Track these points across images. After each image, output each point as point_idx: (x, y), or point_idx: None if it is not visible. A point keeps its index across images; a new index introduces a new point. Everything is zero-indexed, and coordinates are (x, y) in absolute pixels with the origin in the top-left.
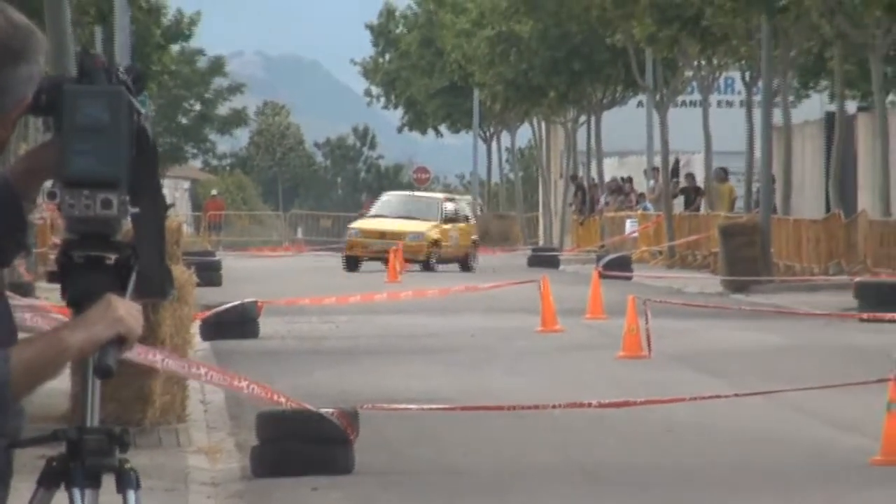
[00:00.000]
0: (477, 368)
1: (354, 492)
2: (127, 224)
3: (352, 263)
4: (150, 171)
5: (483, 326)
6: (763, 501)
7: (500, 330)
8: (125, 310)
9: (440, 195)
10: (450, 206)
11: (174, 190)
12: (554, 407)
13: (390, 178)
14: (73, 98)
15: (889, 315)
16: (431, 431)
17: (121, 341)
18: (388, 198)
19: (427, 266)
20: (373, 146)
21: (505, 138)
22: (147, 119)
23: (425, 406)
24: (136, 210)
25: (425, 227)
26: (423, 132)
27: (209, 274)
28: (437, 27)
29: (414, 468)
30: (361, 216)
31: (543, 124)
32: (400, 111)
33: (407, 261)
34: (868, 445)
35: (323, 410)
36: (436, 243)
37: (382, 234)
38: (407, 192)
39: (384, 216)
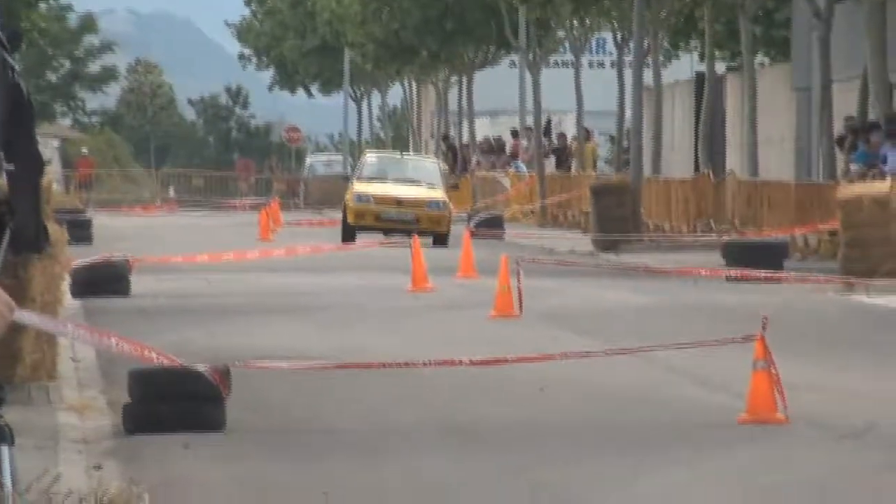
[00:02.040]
0: (349, 327)
1: (226, 449)
2: (2, 180)
3: (351, 233)
4: (25, 128)
5: (355, 285)
6: (631, 459)
7: (372, 289)
8: None
9: (433, 158)
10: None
11: (43, 147)
12: (425, 365)
13: (261, 137)
14: None
15: (755, 274)
16: (304, 390)
17: None
18: (375, 159)
19: (443, 240)
20: (245, 105)
21: (376, 98)
22: (21, 76)
23: (298, 364)
24: (10, 167)
25: (440, 194)
26: (294, 91)
27: (80, 232)
28: None
29: (286, 426)
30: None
31: (415, 84)
32: (271, 71)
33: (419, 233)
34: (735, 404)
35: (196, 367)
36: (450, 213)
37: (399, 202)
38: (396, 154)
39: (383, 179)
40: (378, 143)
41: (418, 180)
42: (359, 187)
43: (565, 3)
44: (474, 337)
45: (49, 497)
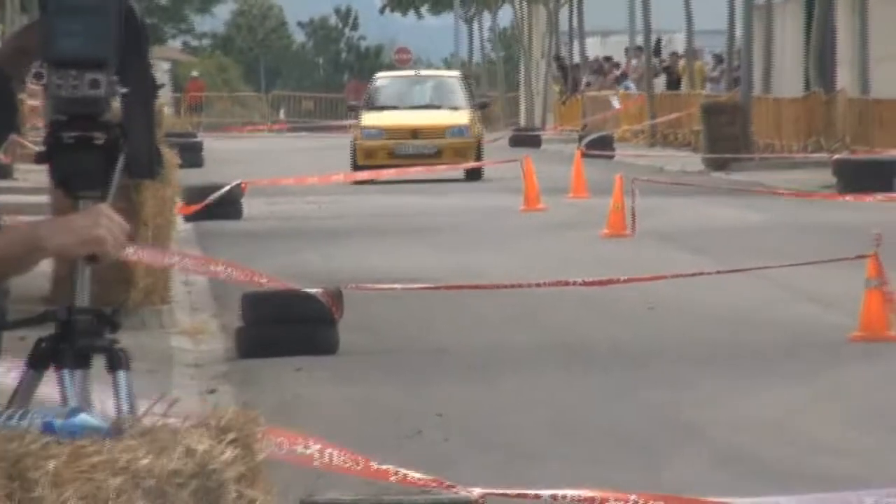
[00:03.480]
0: (462, 248)
1: (339, 371)
2: (116, 104)
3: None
4: (138, 51)
5: (467, 206)
6: (742, 377)
7: (484, 209)
8: (108, 229)
9: (455, 73)
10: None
11: (155, 71)
12: (538, 286)
13: (371, 59)
14: None
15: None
16: (416, 311)
17: (93, 258)
18: (385, 81)
19: (476, 173)
20: (355, 27)
21: (486, 19)
22: None
23: (409, 286)
24: (124, 90)
25: (465, 118)
26: (404, 13)
27: (191, 155)
28: None
29: (398, 347)
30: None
31: (525, 4)
32: None
33: (441, 165)
34: (848, 322)
35: (308, 290)
36: (479, 140)
37: (415, 133)
38: (410, 72)
39: (396, 107)
40: (489, 65)
41: (439, 104)
42: (367, 119)
43: None
44: (586, 257)
45: (165, 421)
